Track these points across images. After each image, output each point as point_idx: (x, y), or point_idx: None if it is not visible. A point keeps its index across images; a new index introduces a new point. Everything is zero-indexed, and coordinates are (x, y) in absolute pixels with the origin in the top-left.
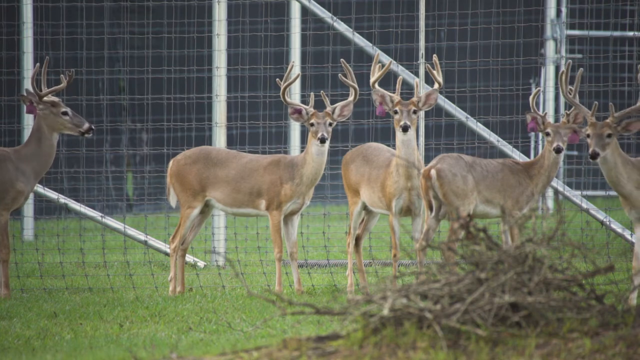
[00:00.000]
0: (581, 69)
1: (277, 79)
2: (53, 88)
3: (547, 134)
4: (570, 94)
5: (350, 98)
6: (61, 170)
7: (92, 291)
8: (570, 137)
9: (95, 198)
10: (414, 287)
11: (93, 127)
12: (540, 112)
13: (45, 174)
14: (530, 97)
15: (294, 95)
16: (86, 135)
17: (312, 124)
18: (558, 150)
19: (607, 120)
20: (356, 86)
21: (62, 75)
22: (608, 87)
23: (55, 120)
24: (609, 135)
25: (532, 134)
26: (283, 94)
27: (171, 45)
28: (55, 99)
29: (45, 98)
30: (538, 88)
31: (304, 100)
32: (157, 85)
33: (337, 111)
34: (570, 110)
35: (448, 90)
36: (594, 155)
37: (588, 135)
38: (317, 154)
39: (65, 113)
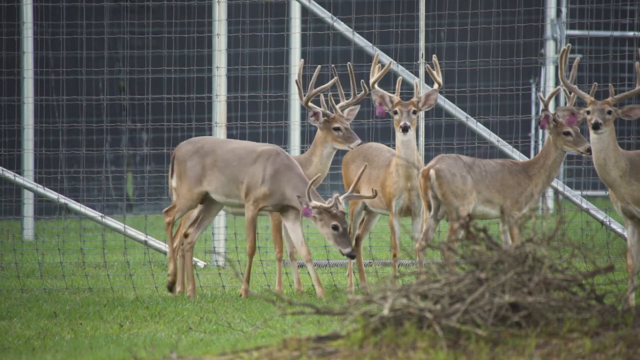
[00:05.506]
0: (579, 56)
1: (296, 80)
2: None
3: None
4: (567, 79)
5: (350, 100)
6: (61, 170)
7: (92, 291)
8: (567, 119)
9: (95, 198)
10: (414, 287)
11: None
12: (540, 111)
13: (45, 174)
14: (548, 96)
15: (295, 95)
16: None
17: (337, 128)
18: (588, 150)
19: (607, 99)
20: (367, 89)
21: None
22: (608, 87)
23: None
24: (609, 112)
25: (532, 133)
26: (308, 98)
27: (171, 45)
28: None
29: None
30: (558, 87)
31: (315, 100)
32: (157, 85)
33: (345, 113)
34: (557, 109)
35: (448, 90)
36: (597, 125)
37: (588, 112)
38: (326, 157)
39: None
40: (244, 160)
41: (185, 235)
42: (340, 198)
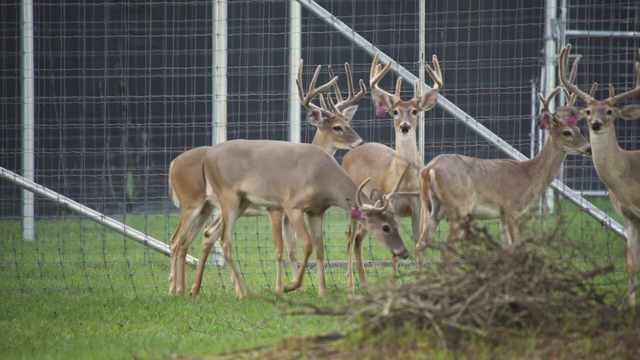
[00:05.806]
0: (579, 56)
1: (296, 80)
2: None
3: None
4: (567, 79)
5: (348, 100)
6: (61, 170)
7: (92, 291)
8: (567, 119)
9: (95, 198)
10: (414, 287)
11: None
12: (540, 111)
13: (45, 174)
14: (548, 96)
15: (295, 95)
16: None
17: (338, 128)
18: (588, 150)
19: (607, 99)
20: (365, 89)
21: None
22: (608, 87)
23: None
24: (609, 112)
25: (532, 133)
26: (309, 98)
27: (171, 45)
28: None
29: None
30: (558, 87)
31: (315, 100)
32: (157, 85)
33: (344, 113)
34: (557, 109)
35: (448, 90)
36: (597, 125)
37: (588, 112)
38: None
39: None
40: (284, 162)
41: (206, 235)
42: (388, 197)
